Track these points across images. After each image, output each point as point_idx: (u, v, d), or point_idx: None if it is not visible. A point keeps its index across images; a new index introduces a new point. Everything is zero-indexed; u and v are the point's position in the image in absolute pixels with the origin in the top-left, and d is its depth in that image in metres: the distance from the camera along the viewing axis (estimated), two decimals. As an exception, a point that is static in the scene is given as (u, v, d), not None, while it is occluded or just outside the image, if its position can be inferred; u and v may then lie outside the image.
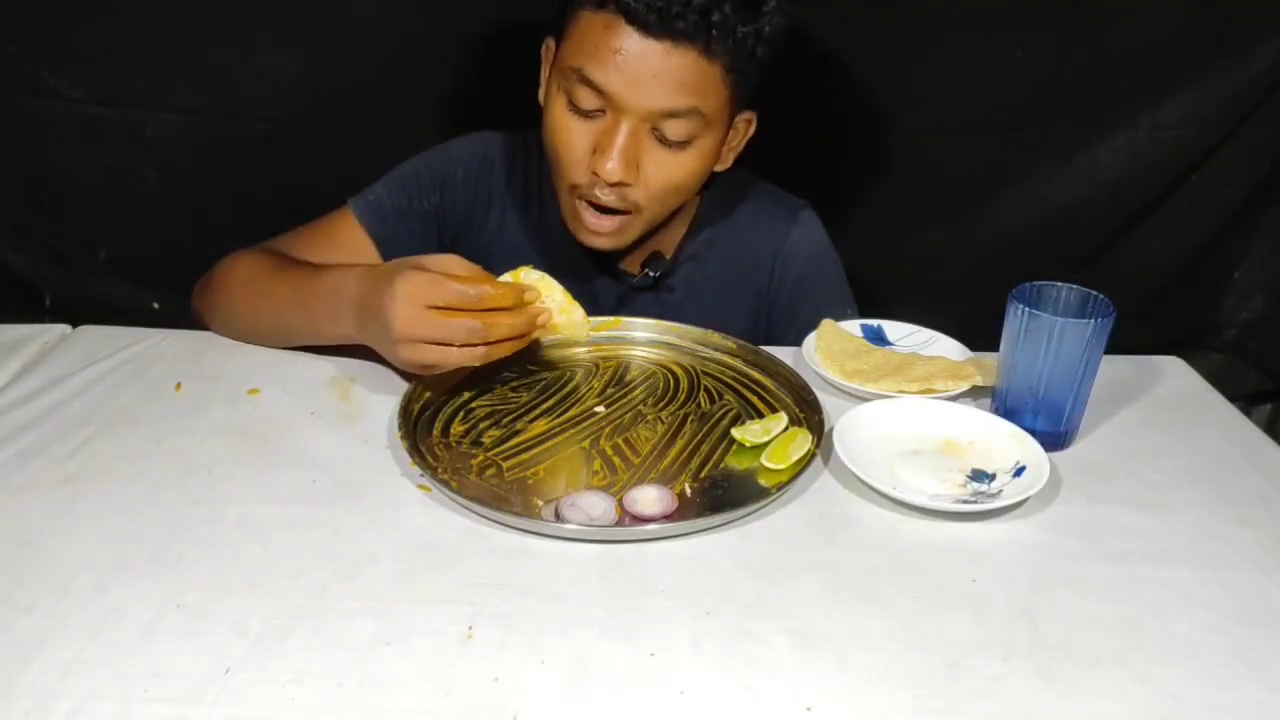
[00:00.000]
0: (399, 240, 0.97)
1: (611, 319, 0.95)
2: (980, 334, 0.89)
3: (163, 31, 1.11)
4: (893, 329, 0.98)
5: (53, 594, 0.60)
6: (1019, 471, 0.74)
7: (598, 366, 0.90)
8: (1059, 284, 0.81)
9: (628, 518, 0.68)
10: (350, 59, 1.16)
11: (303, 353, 0.89)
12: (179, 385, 0.84)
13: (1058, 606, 0.63)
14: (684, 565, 0.65)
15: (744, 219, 1.05)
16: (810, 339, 0.93)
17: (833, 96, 1.23)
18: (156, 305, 1.27)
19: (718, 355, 0.92)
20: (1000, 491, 0.72)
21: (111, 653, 0.56)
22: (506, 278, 0.77)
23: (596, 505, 0.69)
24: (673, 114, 0.85)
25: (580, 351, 0.93)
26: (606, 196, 0.90)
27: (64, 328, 0.94)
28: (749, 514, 0.70)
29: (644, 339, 0.94)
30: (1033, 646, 0.59)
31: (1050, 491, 0.74)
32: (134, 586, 0.61)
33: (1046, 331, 0.76)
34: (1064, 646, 0.59)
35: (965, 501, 0.71)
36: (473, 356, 0.75)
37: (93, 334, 0.93)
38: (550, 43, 0.92)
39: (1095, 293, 0.80)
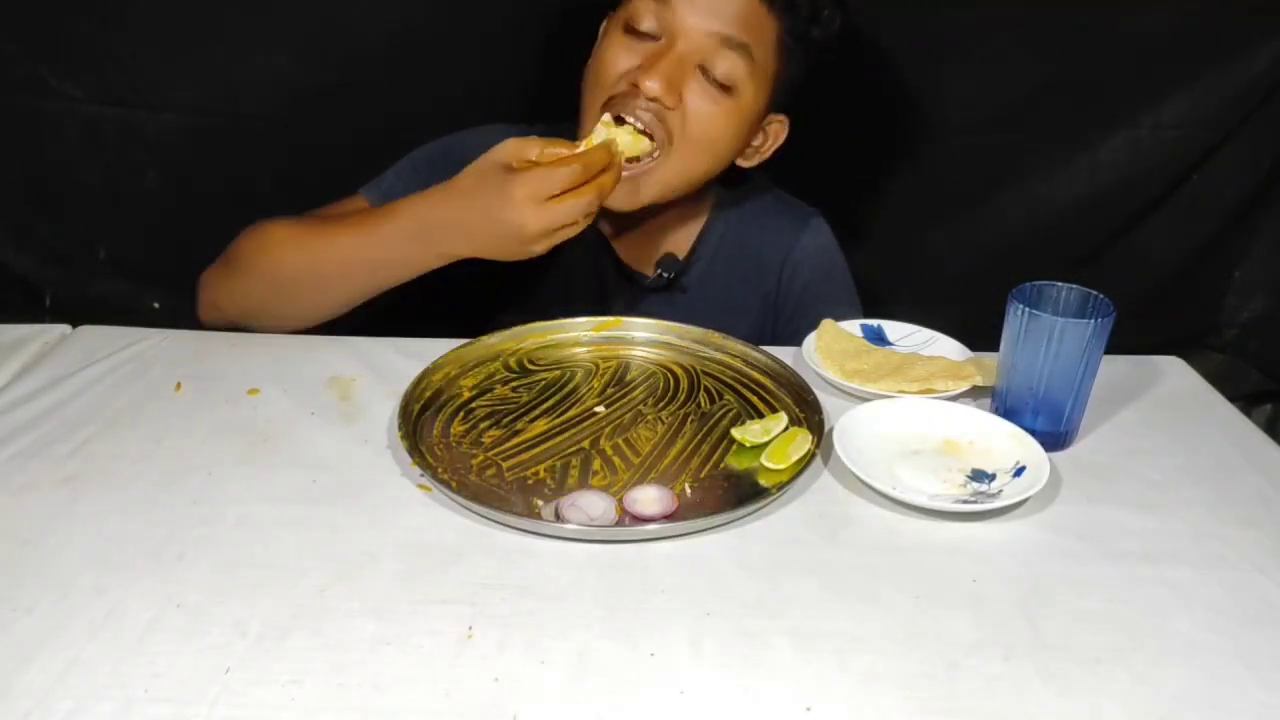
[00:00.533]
0: None
1: (612, 319, 0.95)
2: (980, 334, 0.89)
3: (163, 31, 1.11)
4: (893, 329, 0.98)
5: (53, 594, 0.60)
6: (1019, 471, 0.74)
7: (598, 366, 0.90)
8: (1059, 284, 0.81)
9: (628, 518, 0.68)
10: (350, 58, 1.16)
11: (302, 353, 0.89)
12: (179, 385, 0.84)
13: (1058, 606, 0.63)
14: (684, 565, 0.65)
15: (755, 223, 1.06)
16: (810, 339, 0.93)
17: (832, 97, 1.22)
18: (156, 305, 1.26)
19: (718, 355, 0.92)
20: (1000, 491, 0.72)
21: (111, 653, 0.56)
22: (581, 147, 0.83)
23: (596, 505, 0.69)
24: (727, 43, 0.87)
25: (580, 351, 0.93)
26: (643, 110, 0.89)
27: (64, 328, 0.94)
28: (749, 514, 0.70)
29: (644, 339, 0.94)
30: (1033, 646, 0.59)
31: (1050, 491, 0.74)
32: (134, 586, 0.61)
33: (1046, 331, 0.76)
34: (1064, 646, 0.59)
35: (965, 501, 0.71)
36: (591, 220, 0.82)
37: (93, 334, 0.93)
38: (610, 15, 0.96)
39: (1095, 293, 0.80)
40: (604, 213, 0.98)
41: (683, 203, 1.00)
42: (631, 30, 0.89)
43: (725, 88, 0.89)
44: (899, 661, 0.58)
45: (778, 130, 0.98)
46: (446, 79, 1.19)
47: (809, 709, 0.54)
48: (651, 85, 0.86)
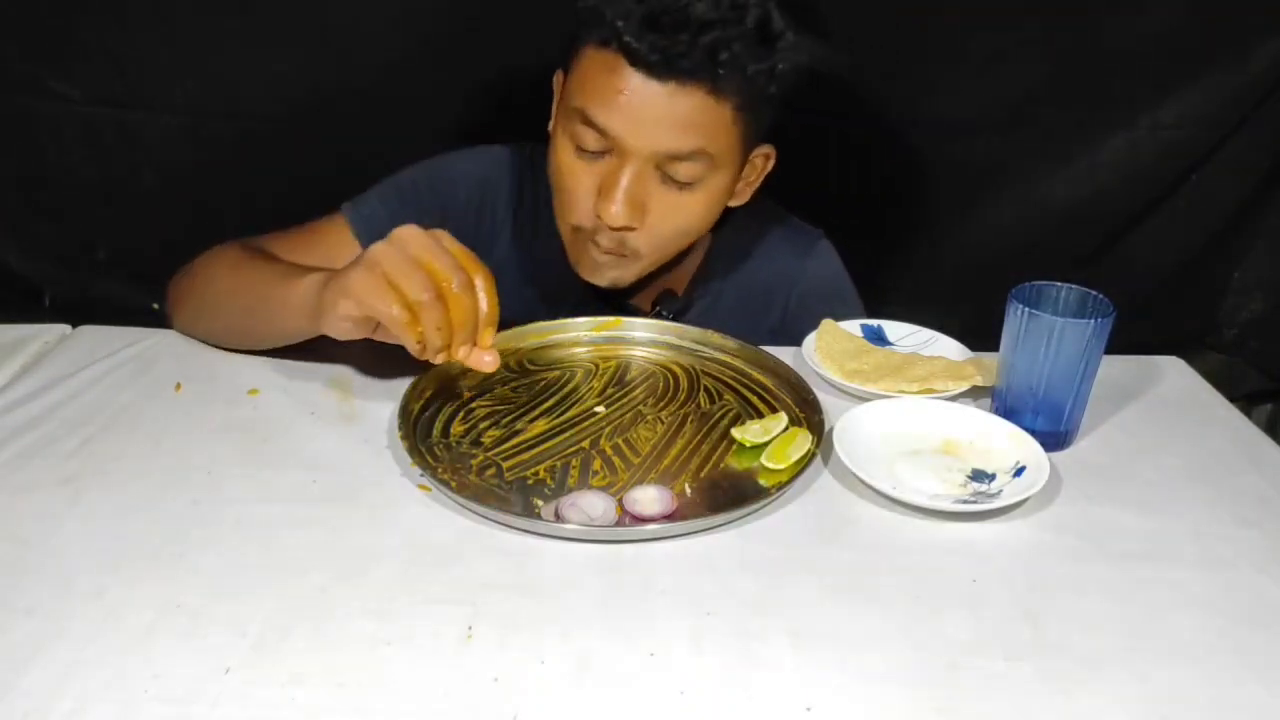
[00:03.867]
0: None
1: (611, 319, 0.95)
2: (980, 334, 0.89)
3: (163, 31, 1.11)
4: (893, 329, 0.98)
5: (53, 594, 0.60)
6: (1019, 471, 0.74)
7: (598, 366, 0.90)
8: (1059, 284, 0.81)
9: (628, 518, 0.68)
10: (350, 59, 1.15)
11: (303, 352, 0.89)
12: (179, 385, 0.84)
13: (1058, 606, 0.63)
14: (684, 565, 0.65)
15: (758, 254, 1.04)
16: (810, 339, 0.93)
17: (832, 97, 1.23)
18: (156, 305, 1.26)
19: (718, 355, 0.92)
20: (1000, 491, 0.72)
21: (111, 653, 0.56)
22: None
23: (596, 505, 0.69)
24: (678, 156, 0.83)
25: (580, 351, 0.93)
26: (607, 241, 0.88)
27: (64, 328, 0.94)
28: (749, 514, 0.70)
29: (644, 339, 0.94)
30: (1033, 646, 0.59)
31: (1050, 491, 0.74)
32: (134, 586, 0.61)
33: (1046, 331, 0.76)
34: (1064, 646, 0.59)
35: (965, 501, 0.71)
36: (407, 327, 0.68)
37: (93, 334, 0.93)
38: (560, 75, 0.91)
39: (1095, 293, 0.80)
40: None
41: None
42: (580, 149, 0.85)
43: (688, 184, 0.86)
44: (899, 661, 0.58)
45: (763, 162, 0.94)
46: (447, 80, 1.19)
47: (809, 709, 0.54)
48: (615, 214, 0.84)
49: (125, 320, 0.94)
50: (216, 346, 0.90)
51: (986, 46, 1.20)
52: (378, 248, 0.70)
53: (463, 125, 1.19)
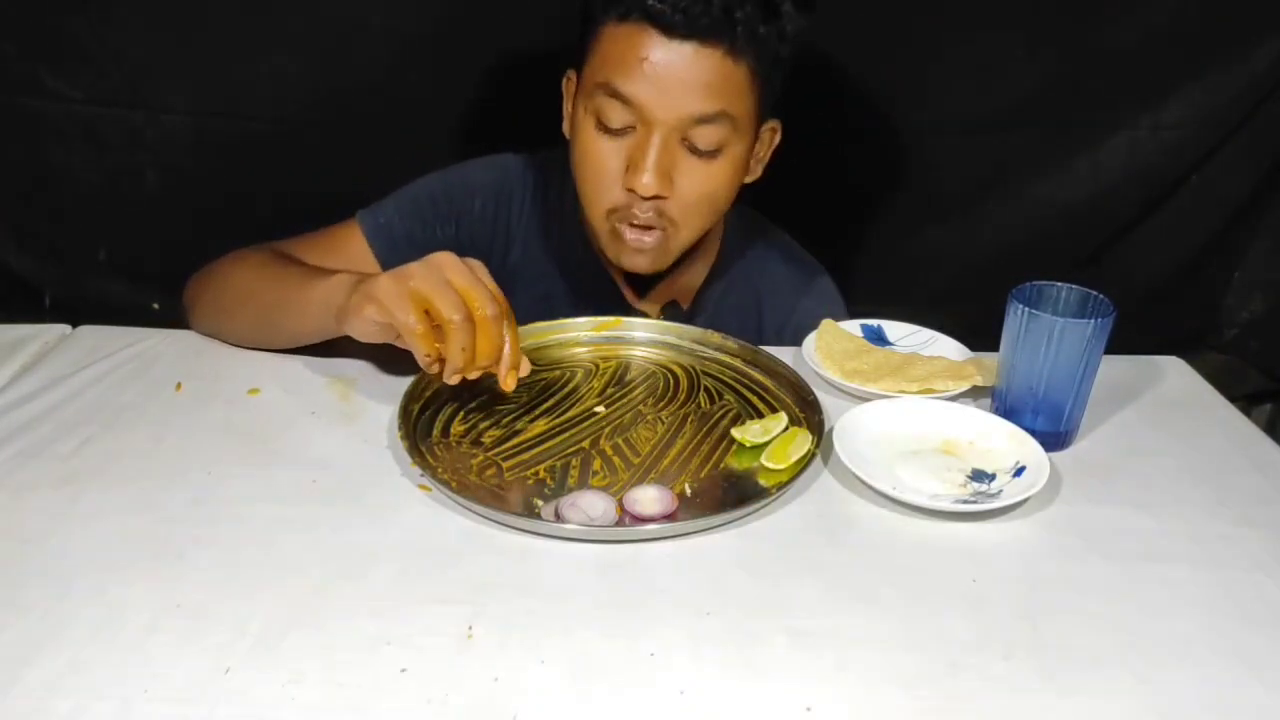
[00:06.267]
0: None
1: (611, 319, 0.95)
2: (980, 334, 0.89)
3: (163, 31, 1.11)
4: (893, 329, 0.98)
5: (53, 594, 0.60)
6: (1019, 471, 0.74)
7: (598, 366, 0.90)
8: (1059, 284, 0.81)
9: (628, 518, 0.68)
10: (352, 59, 1.15)
11: (303, 353, 0.89)
12: (179, 385, 0.84)
13: (1058, 606, 0.63)
14: (684, 565, 0.65)
15: (760, 276, 1.05)
16: (810, 339, 0.93)
17: (833, 96, 1.23)
18: (156, 305, 1.26)
19: (718, 355, 0.92)
20: (1000, 491, 0.72)
21: (111, 653, 0.55)
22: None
23: (596, 505, 0.69)
24: (703, 119, 0.85)
25: (580, 351, 0.93)
26: (644, 214, 0.89)
27: (64, 328, 0.94)
28: (749, 514, 0.70)
29: (644, 339, 0.94)
30: (1033, 646, 0.59)
31: (1050, 491, 0.74)
32: (134, 586, 0.61)
33: (1046, 331, 0.76)
34: (1064, 646, 0.59)
35: (965, 501, 0.71)
36: (421, 349, 0.71)
37: (93, 334, 0.93)
38: (571, 74, 0.92)
39: (1095, 293, 0.80)
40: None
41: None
42: (604, 127, 0.87)
43: (712, 153, 0.87)
44: (899, 661, 0.58)
45: (772, 136, 0.96)
46: (449, 81, 1.19)
47: (809, 709, 0.54)
48: (647, 184, 0.85)
49: (125, 320, 0.94)
50: (234, 345, 0.91)
51: (986, 47, 1.20)
52: (412, 265, 0.73)
53: (466, 125, 1.19)
